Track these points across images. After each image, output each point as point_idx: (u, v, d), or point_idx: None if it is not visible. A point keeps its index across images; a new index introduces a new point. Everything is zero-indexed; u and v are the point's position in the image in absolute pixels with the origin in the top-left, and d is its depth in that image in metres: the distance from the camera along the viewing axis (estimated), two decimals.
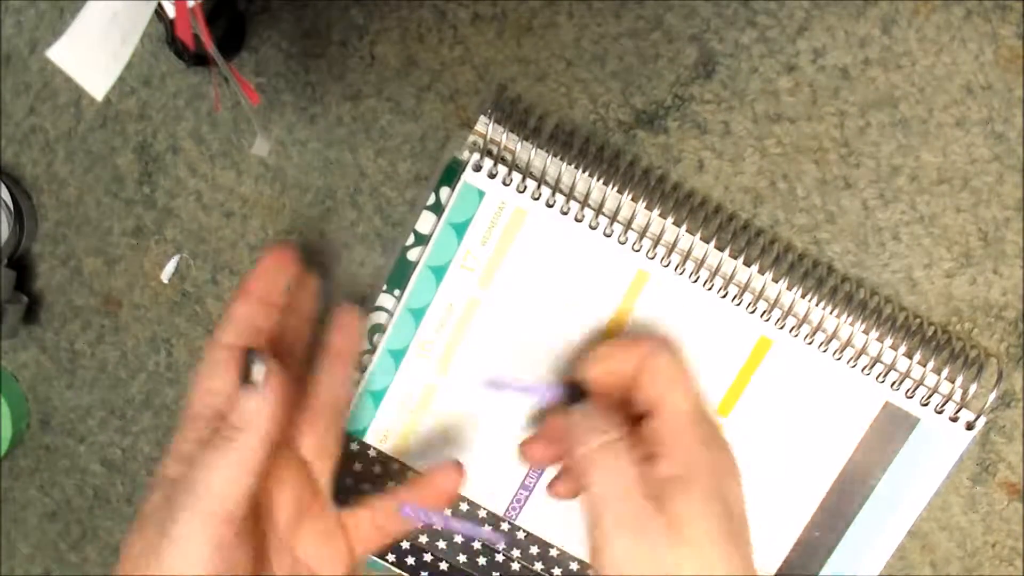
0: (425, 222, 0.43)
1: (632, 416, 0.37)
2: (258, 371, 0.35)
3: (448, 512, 0.45)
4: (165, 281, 0.46)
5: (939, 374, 0.41)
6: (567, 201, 0.41)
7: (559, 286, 0.42)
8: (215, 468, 0.34)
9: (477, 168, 0.41)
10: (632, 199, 0.41)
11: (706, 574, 0.33)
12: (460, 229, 0.42)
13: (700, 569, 0.33)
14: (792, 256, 0.42)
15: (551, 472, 0.43)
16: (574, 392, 0.39)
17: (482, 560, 0.45)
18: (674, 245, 0.41)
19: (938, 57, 0.41)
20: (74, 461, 0.48)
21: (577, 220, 0.42)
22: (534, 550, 0.45)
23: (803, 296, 0.41)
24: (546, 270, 0.42)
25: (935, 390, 0.41)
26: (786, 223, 0.43)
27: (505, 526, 0.45)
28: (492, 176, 0.41)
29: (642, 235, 0.41)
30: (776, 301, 0.41)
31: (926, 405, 0.42)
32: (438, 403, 0.44)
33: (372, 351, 0.44)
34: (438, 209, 0.43)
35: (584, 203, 0.41)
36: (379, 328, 0.44)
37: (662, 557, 0.33)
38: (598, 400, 0.38)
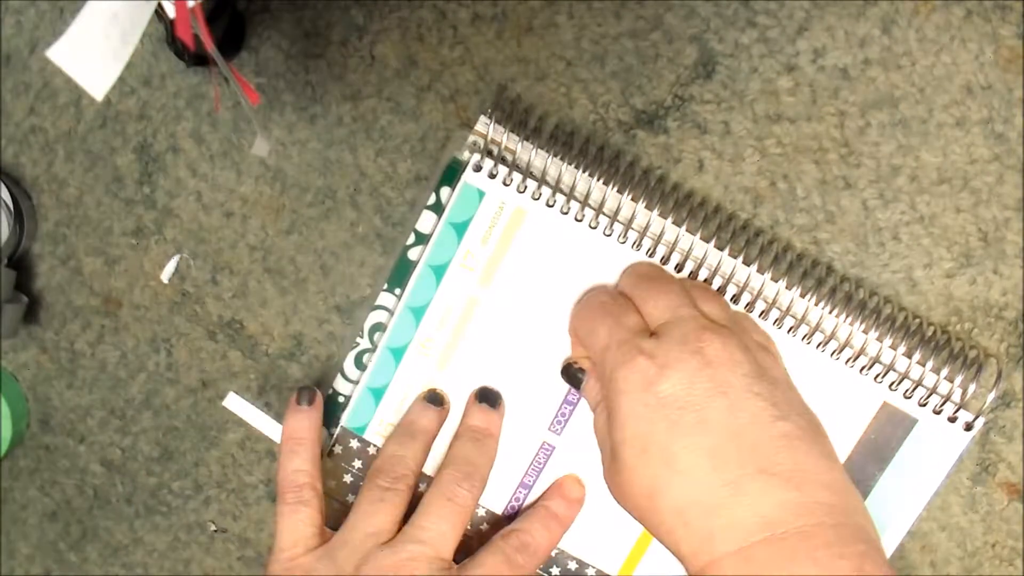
0: (425, 221, 0.43)
1: None
2: None
3: None
4: (165, 281, 0.46)
5: (938, 374, 0.41)
6: (567, 201, 0.41)
7: (559, 285, 0.42)
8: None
9: (477, 168, 0.41)
10: (632, 199, 0.41)
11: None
12: (460, 229, 0.42)
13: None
14: (791, 256, 0.42)
15: (549, 474, 0.44)
16: (572, 373, 0.42)
17: None
18: (674, 245, 0.41)
19: (938, 57, 0.41)
20: (74, 461, 0.48)
21: (577, 220, 0.42)
22: None
23: (802, 296, 0.41)
24: (546, 270, 0.42)
25: (934, 390, 0.41)
26: (786, 223, 0.43)
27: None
28: (492, 176, 0.41)
29: (642, 235, 0.41)
30: (775, 301, 0.41)
31: (924, 405, 0.42)
32: None
33: (373, 349, 0.44)
34: (438, 209, 0.43)
35: (584, 203, 0.41)
36: (380, 326, 0.44)
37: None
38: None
